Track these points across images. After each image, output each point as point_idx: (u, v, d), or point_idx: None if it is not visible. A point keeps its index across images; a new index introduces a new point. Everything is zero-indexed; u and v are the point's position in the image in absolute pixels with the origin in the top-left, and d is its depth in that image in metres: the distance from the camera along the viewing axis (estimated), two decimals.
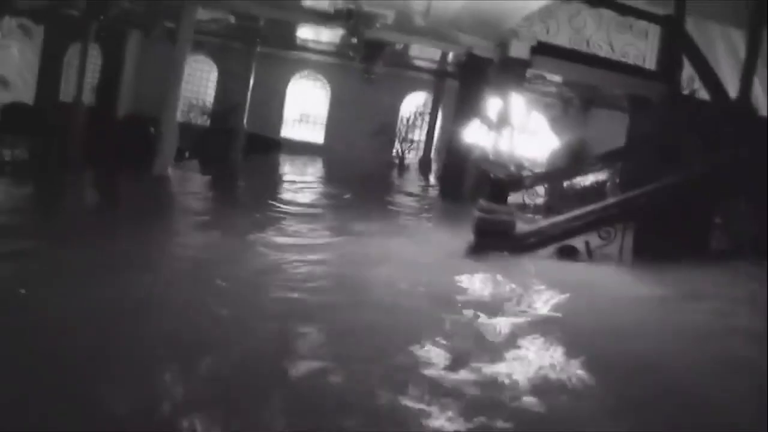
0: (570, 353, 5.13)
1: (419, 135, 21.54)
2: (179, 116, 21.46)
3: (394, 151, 21.16)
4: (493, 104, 9.12)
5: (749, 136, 11.19)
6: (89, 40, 17.02)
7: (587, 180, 14.04)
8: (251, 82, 18.47)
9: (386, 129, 20.82)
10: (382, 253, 8.30)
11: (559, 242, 9.18)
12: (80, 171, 13.44)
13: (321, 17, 13.39)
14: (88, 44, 16.99)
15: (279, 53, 20.18)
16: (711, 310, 6.85)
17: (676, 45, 14.92)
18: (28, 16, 19.15)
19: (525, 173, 9.26)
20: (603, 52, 14.76)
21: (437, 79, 20.09)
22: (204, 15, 17.86)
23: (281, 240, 8.52)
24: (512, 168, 8.90)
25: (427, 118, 21.27)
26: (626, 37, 15.08)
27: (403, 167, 20.47)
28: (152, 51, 19.72)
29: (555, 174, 14.43)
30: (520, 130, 8.91)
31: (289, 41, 19.56)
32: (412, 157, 21.23)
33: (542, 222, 9.69)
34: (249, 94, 18.46)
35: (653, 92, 14.92)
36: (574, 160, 15.20)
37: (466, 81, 14.79)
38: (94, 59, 19.51)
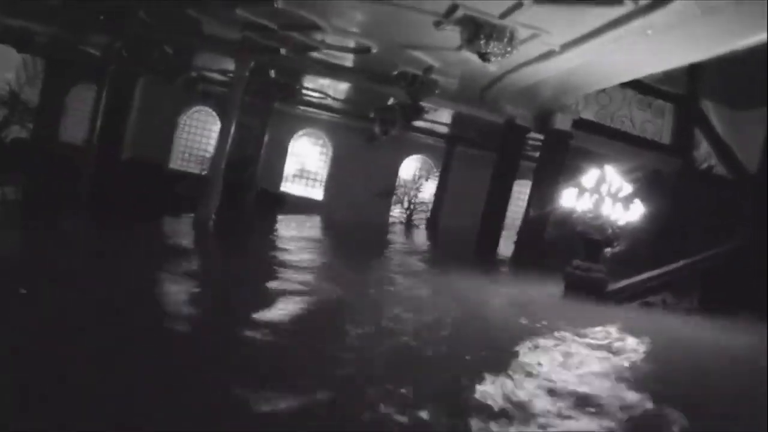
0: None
1: (426, 197, 23.04)
2: (180, 165, 22.46)
3: (399, 212, 22.55)
4: (590, 173, 10.71)
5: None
6: (104, 81, 17.85)
7: None
8: (266, 137, 19.61)
9: (391, 190, 22.26)
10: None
11: (641, 299, 10.79)
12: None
13: (380, 80, 14.73)
14: (104, 85, 17.82)
15: (285, 109, 21.35)
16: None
17: (690, 122, 17.28)
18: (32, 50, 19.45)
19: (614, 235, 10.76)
20: (625, 127, 16.87)
21: (449, 144, 21.72)
22: (213, 64, 18.98)
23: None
24: (609, 231, 10.46)
25: (430, 180, 22.89)
26: (646, 114, 17.20)
27: (410, 228, 21.82)
28: (155, 96, 20.71)
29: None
30: (612, 197, 10.54)
31: (297, 97, 20.82)
32: (419, 219, 22.64)
33: (627, 281, 11.25)
34: (263, 148, 19.56)
35: (669, 166, 17.11)
36: None
37: (506, 148, 16.30)
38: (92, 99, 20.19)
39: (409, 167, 23.98)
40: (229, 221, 16.44)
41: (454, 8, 9.76)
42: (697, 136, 17.28)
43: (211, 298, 7.89)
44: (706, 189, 16.40)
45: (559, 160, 14.90)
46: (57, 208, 14.11)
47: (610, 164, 18.35)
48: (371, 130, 21.06)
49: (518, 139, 15.88)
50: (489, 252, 15.67)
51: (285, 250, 12.68)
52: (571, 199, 10.73)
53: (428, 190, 23.26)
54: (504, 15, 9.62)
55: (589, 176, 10.70)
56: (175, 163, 22.44)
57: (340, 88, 19.51)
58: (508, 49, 10.08)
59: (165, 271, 8.79)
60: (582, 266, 10.48)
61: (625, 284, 10.88)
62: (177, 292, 7.84)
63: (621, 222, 10.61)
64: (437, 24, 10.55)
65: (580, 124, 15.44)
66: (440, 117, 20.46)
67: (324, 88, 19.67)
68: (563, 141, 14.89)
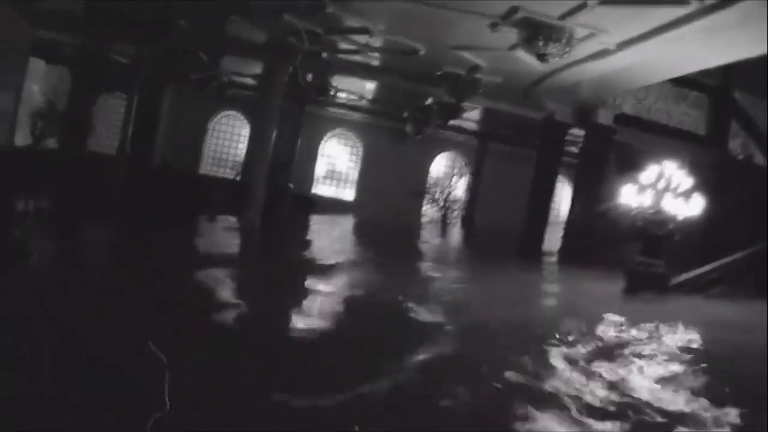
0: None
1: (461, 195, 23.33)
2: (210, 171, 22.78)
3: (434, 210, 22.86)
4: (650, 168, 10.99)
5: None
6: (134, 90, 18.13)
7: None
8: (299, 141, 19.92)
9: (423, 189, 22.60)
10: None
11: (703, 291, 11.09)
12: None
13: (422, 80, 15.01)
14: (134, 94, 18.10)
15: (315, 111, 21.65)
16: None
17: (726, 113, 17.54)
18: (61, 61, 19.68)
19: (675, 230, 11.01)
20: (663, 120, 17.13)
21: (481, 140, 21.97)
22: (243, 69, 19.26)
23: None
24: (671, 226, 10.75)
25: (464, 178, 23.20)
26: (681, 107, 17.46)
27: (446, 227, 22.13)
28: (183, 102, 21.05)
29: None
30: (672, 192, 10.82)
31: (330, 100, 21.11)
32: (454, 217, 22.93)
33: (689, 274, 11.53)
34: (297, 152, 19.88)
35: (707, 158, 17.34)
36: None
37: (546, 144, 16.56)
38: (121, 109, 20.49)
39: (440, 165, 24.26)
40: (270, 226, 16.62)
41: (514, 10, 10.00)
42: (732, 127, 17.47)
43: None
44: (745, 179, 16.64)
45: (603, 155, 15.16)
46: (93, 218, 14.19)
47: (650, 158, 18.62)
48: (402, 130, 21.44)
49: (559, 135, 16.10)
50: (534, 249, 15.89)
51: (340, 252, 12.92)
52: (630, 196, 10.98)
53: (461, 187, 23.52)
54: (564, 16, 9.87)
55: (648, 172, 10.94)
56: (205, 169, 22.74)
57: (368, 89, 19.84)
58: (567, 49, 10.35)
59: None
60: (644, 262, 10.76)
61: (687, 277, 11.16)
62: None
63: (681, 217, 10.87)
64: (493, 26, 10.78)
65: (620, 118, 15.66)
66: (470, 114, 20.73)
67: (355, 89, 19.98)
68: (606, 136, 15.13)
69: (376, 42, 13.26)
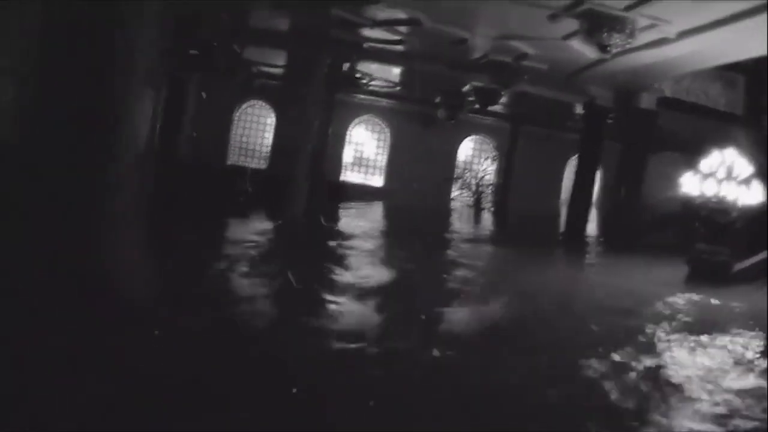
0: None
1: (494, 180, 23.49)
2: (237, 161, 22.88)
3: (466, 195, 23.00)
4: (712, 155, 11.16)
5: None
6: (160, 84, 18.13)
7: None
8: (330, 129, 20.02)
9: (451, 173, 22.77)
10: None
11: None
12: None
13: (466, 68, 15.10)
14: (161, 87, 18.10)
15: (343, 98, 21.67)
16: None
17: (763, 92, 17.61)
18: None
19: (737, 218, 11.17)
20: (700, 101, 17.24)
21: (513, 123, 21.96)
22: (271, 59, 19.30)
23: None
24: (734, 214, 10.94)
25: (496, 163, 23.38)
26: (717, 86, 17.56)
27: (479, 212, 22.27)
28: (209, 93, 21.09)
29: None
30: (735, 179, 11.01)
31: (360, 87, 21.21)
32: (486, 202, 23.05)
33: (750, 261, 11.72)
34: (328, 140, 20.00)
35: (746, 139, 17.47)
36: None
37: (589, 129, 16.68)
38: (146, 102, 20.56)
39: (467, 149, 24.39)
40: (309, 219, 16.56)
41: (578, 2, 10.12)
42: None
43: None
44: None
45: (646, 139, 15.31)
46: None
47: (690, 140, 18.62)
48: (430, 115, 21.57)
49: (600, 120, 16.19)
50: (578, 235, 16.01)
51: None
52: (691, 183, 11.17)
53: (493, 172, 23.66)
54: (630, 7, 9.99)
55: (709, 159, 11.12)
56: (233, 159, 22.84)
57: (396, 74, 19.90)
58: (629, 40, 10.48)
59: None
60: (707, 250, 10.96)
61: (750, 264, 11.36)
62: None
63: (742, 204, 11.06)
64: (553, 17, 10.90)
65: (662, 102, 15.79)
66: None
67: (385, 76, 20.06)
68: (649, 120, 15.26)
69: (424, 32, 13.29)
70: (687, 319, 8.38)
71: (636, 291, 9.98)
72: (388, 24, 12.89)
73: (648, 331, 7.58)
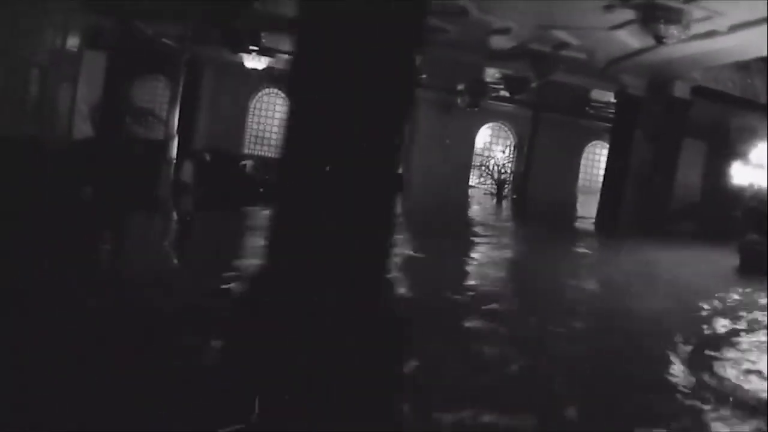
0: None
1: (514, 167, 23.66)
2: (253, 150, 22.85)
3: (488, 184, 23.13)
4: (759, 147, 11.39)
5: None
6: (175, 72, 18.01)
7: None
8: None
9: (470, 161, 22.90)
10: None
11: None
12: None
13: (503, 57, 15.18)
14: (176, 75, 17.99)
15: None
16: None
17: None
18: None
19: None
20: (728, 89, 17.43)
21: (535, 110, 21.98)
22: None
23: None
24: None
25: (517, 150, 23.56)
26: (743, 74, 17.76)
27: (501, 201, 22.41)
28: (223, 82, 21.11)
29: None
30: None
31: None
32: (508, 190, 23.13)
33: None
34: None
35: None
36: None
37: (620, 118, 16.85)
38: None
39: (485, 136, 24.52)
40: None
41: None
42: None
43: None
44: None
45: (679, 128, 15.49)
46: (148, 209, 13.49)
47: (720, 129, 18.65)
48: (449, 102, 21.64)
49: (632, 109, 16.30)
50: (611, 223, 16.11)
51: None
52: (741, 174, 11.38)
53: (514, 159, 23.81)
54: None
55: (759, 150, 11.33)
56: (249, 148, 22.81)
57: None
58: (685, 31, 10.64)
59: None
60: (759, 241, 11.17)
61: None
62: None
63: None
64: (608, 8, 11.03)
65: (696, 91, 15.98)
66: None
67: None
68: (683, 109, 15.45)
69: (469, 21, 13.35)
70: None
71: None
72: (436, 15, 12.90)
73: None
